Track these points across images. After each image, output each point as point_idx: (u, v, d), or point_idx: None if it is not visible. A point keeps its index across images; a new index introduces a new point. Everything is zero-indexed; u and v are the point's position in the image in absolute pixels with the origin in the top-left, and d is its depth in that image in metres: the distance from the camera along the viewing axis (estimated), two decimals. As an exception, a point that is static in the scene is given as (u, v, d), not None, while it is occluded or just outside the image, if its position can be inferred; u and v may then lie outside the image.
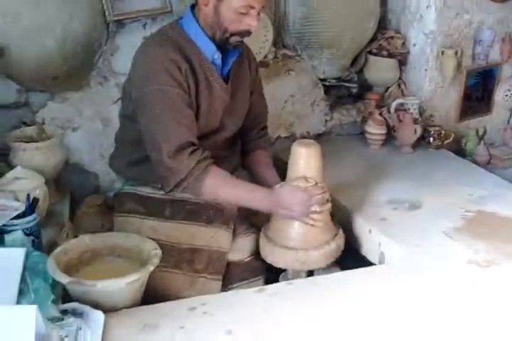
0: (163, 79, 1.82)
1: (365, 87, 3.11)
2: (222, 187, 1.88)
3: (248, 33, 1.88)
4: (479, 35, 2.97)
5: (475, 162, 3.06)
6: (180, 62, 1.85)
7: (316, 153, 1.89)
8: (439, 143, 2.83)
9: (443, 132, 2.84)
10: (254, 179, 2.14)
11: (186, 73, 1.86)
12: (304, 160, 1.89)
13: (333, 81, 2.93)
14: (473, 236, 1.98)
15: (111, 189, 2.29)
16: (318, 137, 2.92)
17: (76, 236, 1.83)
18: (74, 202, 2.28)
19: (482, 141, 3.14)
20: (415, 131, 2.76)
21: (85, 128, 2.39)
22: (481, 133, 3.24)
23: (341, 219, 2.14)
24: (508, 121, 3.35)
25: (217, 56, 1.94)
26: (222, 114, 2.02)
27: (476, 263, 1.82)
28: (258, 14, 1.86)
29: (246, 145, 2.24)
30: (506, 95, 3.19)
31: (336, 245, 1.95)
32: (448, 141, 2.86)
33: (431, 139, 2.82)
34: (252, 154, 2.23)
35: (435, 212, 2.17)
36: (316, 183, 1.87)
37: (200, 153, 1.84)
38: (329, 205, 1.92)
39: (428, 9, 2.84)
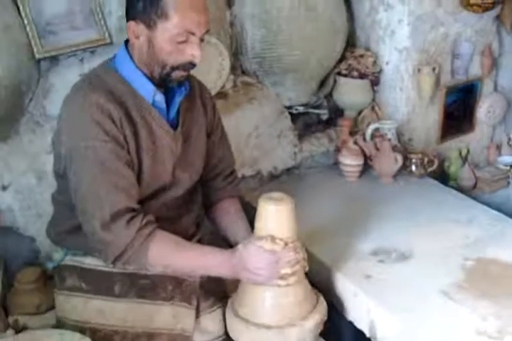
0: (93, 134, 1.50)
1: (336, 112, 2.82)
2: (171, 255, 1.57)
3: (192, 64, 1.56)
4: (457, 48, 2.71)
5: (460, 187, 2.83)
6: (113, 109, 1.52)
7: (287, 210, 1.58)
8: (422, 172, 2.55)
9: (426, 159, 2.56)
10: (223, 234, 1.84)
11: (121, 123, 1.54)
12: (273, 218, 1.57)
13: (301, 108, 2.63)
14: (477, 295, 1.70)
15: (51, 257, 1.95)
16: (287, 172, 2.63)
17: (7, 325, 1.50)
18: (8, 274, 1.94)
19: (466, 164, 2.89)
20: (396, 160, 2.47)
21: (17, 184, 2.04)
22: (464, 153, 2.98)
23: (320, 279, 1.86)
24: (492, 139, 3.09)
25: (159, 97, 1.62)
26: (172, 167, 1.69)
27: (487, 335, 1.53)
28: (202, 41, 1.55)
29: (210, 197, 1.91)
30: (489, 111, 2.93)
31: (317, 317, 1.63)
32: (432, 169, 2.59)
33: (413, 168, 2.54)
34: (218, 205, 1.90)
35: (429, 262, 1.89)
36: (286, 244, 1.56)
37: (141, 219, 1.53)
38: (304, 264, 1.61)
39: (400, 23, 2.56)
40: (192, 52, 1.52)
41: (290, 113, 2.62)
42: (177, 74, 1.57)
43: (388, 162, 2.48)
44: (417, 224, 2.12)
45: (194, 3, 1.50)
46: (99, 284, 1.66)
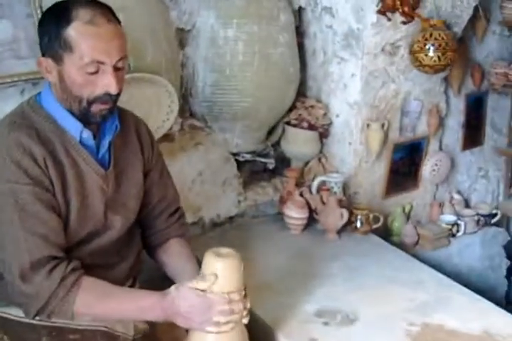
0: (13, 176, 1.38)
1: (283, 161, 2.75)
2: (99, 303, 1.44)
3: (109, 95, 1.44)
4: (406, 106, 2.71)
5: (402, 243, 2.80)
6: (37, 149, 1.40)
7: (235, 268, 1.47)
8: (367, 229, 2.50)
9: (371, 216, 2.51)
10: (172, 278, 1.69)
11: (46, 163, 1.41)
12: (220, 275, 1.46)
13: (248, 156, 2.55)
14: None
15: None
16: (230, 220, 2.53)
17: None
18: None
19: (410, 221, 2.86)
20: (341, 215, 2.41)
21: None
22: (407, 210, 2.95)
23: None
24: (435, 197, 3.09)
25: (87, 135, 1.50)
26: (104, 209, 1.55)
27: None
28: (119, 69, 1.44)
29: (156, 238, 1.77)
30: (434, 170, 2.93)
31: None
32: (377, 226, 2.54)
33: (358, 224, 2.49)
34: (164, 246, 1.76)
35: (374, 327, 1.80)
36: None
37: (65, 267, 1.40)
38: (243, 315, 1.49)
39: (353, 78, 2.54)
40: (105, 82, 1.41)
41: (236, 160, 2.53)
42: (96, 108, 1.45)
43: (334, 217, 2.42)
44: (362, 285, 2.05)
45: (100, 31, 1.39)
46: (24, 338, 1.50)
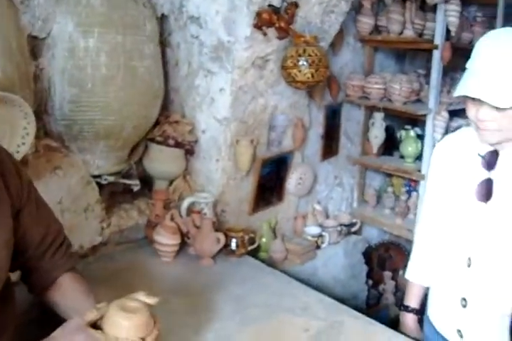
0: None
1: (145, 180, 2.54)
2: None
3: None
4: (273, 120, 2.63)
5: (271, 259, 2.74)
6: None
7: (141, 325, 1.26)
8: (243, 251, 2.38)
9: (246, 237, 2.40)
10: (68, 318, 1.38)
11: None
12: (124, 331, 1.25)
13: (111, 178, 2.30)
14: None
15: None
16: (93, 250, 2.26)
17: None
18: None
19: (279, 237, 2.80)
20: (218, 240, 2.27)
21: None
22: (273, 224, 2.89)
23: None
24: (297, 209, 3.06)
25: None
26: None
27: None
28: None
29: (44, 279, 1.46)
30: (299, 183, 2.90)
31: None
32: (252, 247, 2.43)
33: (233, 246, 2.36)
34: (56, 285, 1.47)
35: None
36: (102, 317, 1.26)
37: None
38: None
39: (221, 92, 2.40)
40: None
41: (98, 183, 2.27)
42: None
43: (209, 242, 2.27)
44: (250, 318, 1.91)
45: None
46: None
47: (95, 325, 1.26)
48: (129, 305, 1.28)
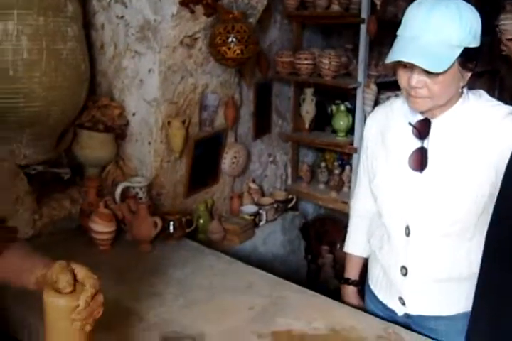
0: None
1: (76, 168, 2.46)
2: None
3: None
4: (204, 100, 2.59)
5: (210, 240, 2.72)
6: None
7: None
8: (181, 234, 2.35)
9: (184, 220, 2.37)
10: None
11: None
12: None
13: (39, 167, 2.22)
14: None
15: None
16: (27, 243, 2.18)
17: None
18: None
19: (216, 218, 2.79)
20: (155, 224, 2.23)
21: None
22: (209, 205, 2.87)
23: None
24: (233, 189, 3.04)
25: None
26: None
27: None
28: None
29: None
30: (233, 162, 2.88)
31: None
32: (190, 229, 2.41)
33: (171, 230, 2.33)
34: None
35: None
36: None
37: None
38: None
39: (150, 73, 2.34)
40: None
41: (26, 173, 2.18)
42: None
43: (147, 227, 2.22)
44: (196, 300, 1.89)
45: None
46: None
47: None
48: None
